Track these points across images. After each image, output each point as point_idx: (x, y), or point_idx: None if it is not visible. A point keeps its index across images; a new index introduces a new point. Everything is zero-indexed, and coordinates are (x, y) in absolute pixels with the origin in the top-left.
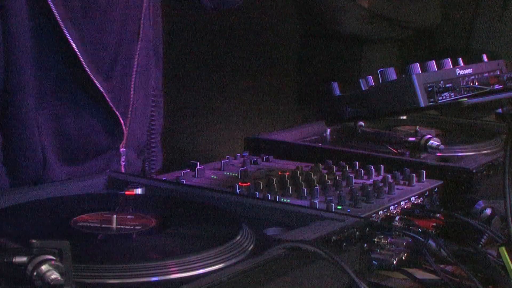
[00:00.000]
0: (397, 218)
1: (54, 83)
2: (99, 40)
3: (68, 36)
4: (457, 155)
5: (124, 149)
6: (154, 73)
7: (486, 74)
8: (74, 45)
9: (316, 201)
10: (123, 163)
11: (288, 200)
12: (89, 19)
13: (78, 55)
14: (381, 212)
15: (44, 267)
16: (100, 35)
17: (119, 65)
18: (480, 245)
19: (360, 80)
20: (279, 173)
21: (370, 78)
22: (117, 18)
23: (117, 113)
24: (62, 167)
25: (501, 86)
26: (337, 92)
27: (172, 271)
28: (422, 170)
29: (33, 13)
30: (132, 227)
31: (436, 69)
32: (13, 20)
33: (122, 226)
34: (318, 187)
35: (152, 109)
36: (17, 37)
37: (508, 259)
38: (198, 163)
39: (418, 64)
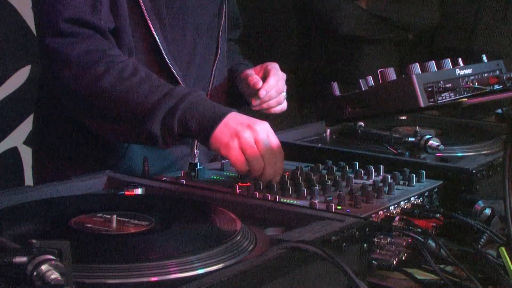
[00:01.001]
0: (396, 218)
1: None
2: (178, 36)
3: (150, 24)
4: (457, 155)
5: (197, 151)
6: (226, 86)
7: (486, 74)
8: (154, 32)
9: (316, 201)
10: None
11: (288, 200)
12: (170, 14)
13: (158, 41)
14: (381, 212)
15: (44, 267)
16: (178, 31)
17: (196, 67)
18: (480, 245)
19: (360, 80)
20: None
21: (370, 78)
22: (194, 22)
23: None
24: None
25: (501, 86)
26: (337, 92)
27: (172, 271)
28: (422, 170)
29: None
30: (131, 227)
31: (436, 69)
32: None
33: (122, 226)
34: (318, 187)
35: None
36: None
37: (508, 259)
38: (198, 163)
39: (418, 64)
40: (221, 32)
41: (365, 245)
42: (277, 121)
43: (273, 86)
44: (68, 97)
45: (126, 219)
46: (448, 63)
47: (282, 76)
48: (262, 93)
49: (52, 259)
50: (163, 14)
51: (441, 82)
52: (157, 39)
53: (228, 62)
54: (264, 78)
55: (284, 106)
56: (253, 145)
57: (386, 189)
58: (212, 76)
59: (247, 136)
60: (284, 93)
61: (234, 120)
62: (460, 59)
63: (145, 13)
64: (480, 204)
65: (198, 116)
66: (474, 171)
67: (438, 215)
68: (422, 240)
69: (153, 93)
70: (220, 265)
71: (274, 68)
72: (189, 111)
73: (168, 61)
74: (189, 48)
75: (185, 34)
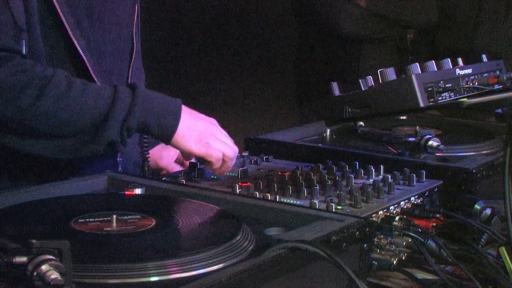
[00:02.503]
0: (397, 218)
1: None
2: (100, 47)
3: (74, 40)
4: (457, 155)
5: (121, 158)
6: (144, 79)
7: (486, 74)
8: (78, 46)
9: (316, 201)
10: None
11: (288, 200)
12: (91, 25)
13: (83, 57)
14: (381, 212)
15: (44, 267)
16: (100, 42)
17: (116, 74)
18: (480, 245)
19: (360, 80)
20: (279, 173)
21: (370, 78)
22: (113, 27)
23: None
24: (62, 168)
25: (501, 86)
26: (337, 92)
27: (172, 271)
28: (422, 170)
29: (43, 14)
30: (131, 227)
31: (436, 69)
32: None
33: (122, 226)
34: (318, 187)
35: None
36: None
37: (508, 259)
38: (198, 163)
39: (418, 64)
40: (135, 27)
41: (365, 245)
42: (277, 121)
43: None
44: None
45: (126, 219)
46: (448, 63)
47: None
48: None
49: (52, 259)
50: (83, 21)
51: (441, 82)
52: (75, 42)
53: None
54: None
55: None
56: (220, 141)
57: (386, 189)
58: (129, 77)
59: (213, 134)
60: None
61: (190, 116)
62: (460, 59)
63: (64, 20)
64: (480, 204)
65: (156, 117)
66: (474, 171)
67: (438, 215)
68: (422, 240)
69: (100, 100)
70: (220, 265)
71: None
72: (146, 111)
73: (87, 63)
74: (110, 54)
75: (106, 40)
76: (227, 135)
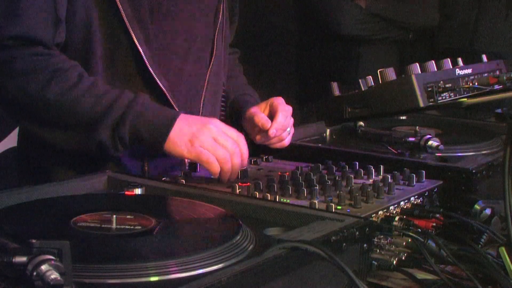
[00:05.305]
0: (396, 218)
1: (121, 80)
2: (166, 43)
3: (132, 33)
4: (457, 155)
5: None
6: (223, 82)
7: (486, 74)
8: (137, 43)
9: (316, 201)
10: (187, 169)
11: (288, 200)
12: (156, 21)
13: (141, 53)
14: (381, 212)
15: (44, 267)
16: (167, 38)
17: (187, 74)
18: (480, 245)
19: (360, 80)
20: (279, 173)
21: (370, 78)
22: (186, 26)
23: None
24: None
25: (501, 86)
26: (337, 92)
27: (172, 271)
28: (422, 170)
29: (103, 11)
30: (131, 227)
31: (436, 69)
32: (83, 16)
33: (121, 226)
34: (318, 187)
35: (222, 114)
36: (90, 33)
37: (508, 259)
38: (198, 164)
39: (417, 64)
40: (217, 34)
41: (365, 245)
42: None
43: (282, 124)
44: (13, 108)
45: (126, 219)
46: (448, 63)
47: (288, 110)
48: (272, 132)
49: (52, 259)
50: (146, 21)
51: (441, 82)
52: (139, 49)
53: (231, 84)
54: (270, 115)
55: (285, 142)
56: (212, 142)
57: (386, 189)
58: (206, 82)
59: (205, 136)
60: (289, 129)
61: (185, 122)
62: (460, 59)
63: (126, 21)
64: (480, 204)
65: (148, 125)
66: (474, 171)
67: (438, 215)
68: (422, 240)
69: (98, 104)
70: (220, 265)
71: (281, 104)
72: (138, 120)
73: (152, 72)
74: (180, 54)
75: (175, 40)
76: (231, 135)
